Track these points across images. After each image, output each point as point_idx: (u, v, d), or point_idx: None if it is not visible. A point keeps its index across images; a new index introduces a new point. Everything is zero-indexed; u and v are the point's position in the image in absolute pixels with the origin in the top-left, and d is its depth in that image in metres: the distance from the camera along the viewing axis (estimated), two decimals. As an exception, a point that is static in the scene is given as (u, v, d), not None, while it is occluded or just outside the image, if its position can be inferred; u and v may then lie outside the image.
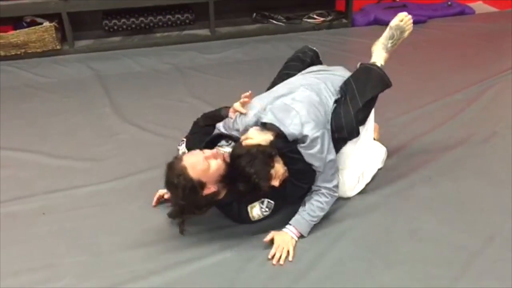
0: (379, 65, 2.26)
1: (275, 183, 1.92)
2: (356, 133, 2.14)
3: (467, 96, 3.17)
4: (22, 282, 1.90)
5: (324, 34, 4.30)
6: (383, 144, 2.50)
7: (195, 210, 1.98)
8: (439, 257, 1.96)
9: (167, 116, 3.01)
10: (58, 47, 3.96)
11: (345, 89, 2.20)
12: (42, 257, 2.01)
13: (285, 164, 1.98)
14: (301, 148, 1.98)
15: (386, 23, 4.24)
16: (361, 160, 2.25)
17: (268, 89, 2.35)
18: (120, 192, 2.38)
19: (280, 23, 4.41)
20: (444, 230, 2.10)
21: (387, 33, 2.32)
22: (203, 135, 2.22)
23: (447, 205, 2.25)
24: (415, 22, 4.29)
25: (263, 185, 1.88)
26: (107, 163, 2.60)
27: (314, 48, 2.51)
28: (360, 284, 1.86)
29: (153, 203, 2.24)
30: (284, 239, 2.00)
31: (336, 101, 2.18)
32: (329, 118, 2.12)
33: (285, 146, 1.98)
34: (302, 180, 2.04)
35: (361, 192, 2.29)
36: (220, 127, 2.21)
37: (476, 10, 4.71)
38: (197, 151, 1.97)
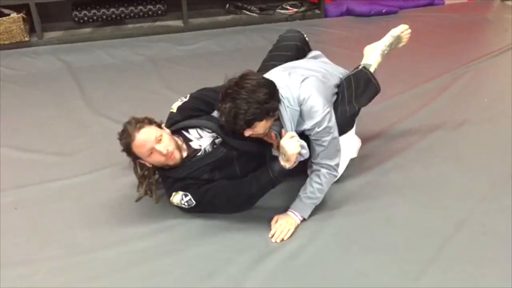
0: (373, 70, 2.30)
1: (247, 133, 1.93)
2: (343, 133, 2.19)
3: (438, 85, 3.22)
4: (-5, 278, 1.86)
5: (297, 24, 4.30)
6: (356, 133, 2.53)
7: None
8: (413, 242, 2.00)
9: (140, 108, 2.95)
10: (27, 39, 3.86)
11: (345, 87, 2.23)
12: (15, 253, 1.97)
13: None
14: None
15: (358, 14, 4.40)
16: (343, 150, 2.28)
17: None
18: (93, 186, 2.35)
19: (253, 14, 4.40)
20: (417, 216, 2.14)
21: (387, 40, 2.36)
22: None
23: (420, 191, 2.30)
24: (387, 13, 4.43)
25: (239, 124, 1.87)
26: (80, 156, 2.56)
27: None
28: (337, 270, 1.88)
29: None
30: (288, 220, 2.05)
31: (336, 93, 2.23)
32: (333, 101, 2.18)
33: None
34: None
35: (337, 181, 2.30)
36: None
37: (446, 0, 4.79)
38: (154, 134, 2.00)
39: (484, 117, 2.87)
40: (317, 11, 4.45)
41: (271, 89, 1.93)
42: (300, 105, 2.01)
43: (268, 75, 2.17)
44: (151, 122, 2.05)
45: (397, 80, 3.27)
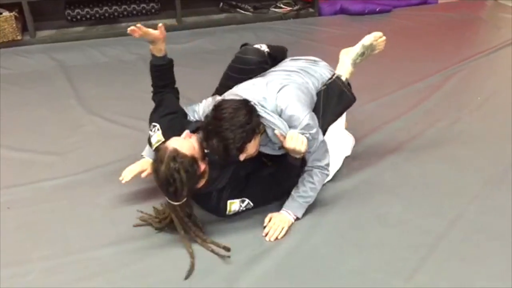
0: (344, 79, 2.24)
1: (241, 158, 1.92)
2: None
3: (431, 83, 3.24)
4: (-13, 278, 1.85)
5: (291, 23, 4.31)
6: (350, 132, 2.53)
7: (191, 196, 1.98)
8: (406, 241, 2.01)
9: (134, 107, 2.97)
10: (19, 37, 3.84)
11: (315, 105, 2.19)
12: (8, 253, 1.96)
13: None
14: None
15: (352, 13, 4.40)
16: (332, 149, 2.29)
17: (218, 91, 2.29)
18: (87, 185, 2.34)
19: (247, 13, 4.40)
20: (410, 214, 2.15)
21: (359, 49, 2.26)
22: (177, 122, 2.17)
23: (413, 189, 2.30)
24: (380, 12, 4.45)
25: (232, 154, 1.87)
26: (73, 156, 2.55)
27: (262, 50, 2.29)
28: (331, 269, 1.88)
29: (127, 179, 2.14)
30: (281, 219, 2.05)
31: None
32: (313, 106, 2.16)
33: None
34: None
35: (331, 180, 2.31)
36: (200, 110, 2.16)
37: (439, -1, 4.82)
38: (173, 137, 1.95)
39: (477, 115, 2.89)
40: (311, 10, 4.46)
41: (248, 108, 1.91)
42: (279, 115, 2.00)
43: (249, 84, 2.13)
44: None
45: (390, 79, 3.29)
